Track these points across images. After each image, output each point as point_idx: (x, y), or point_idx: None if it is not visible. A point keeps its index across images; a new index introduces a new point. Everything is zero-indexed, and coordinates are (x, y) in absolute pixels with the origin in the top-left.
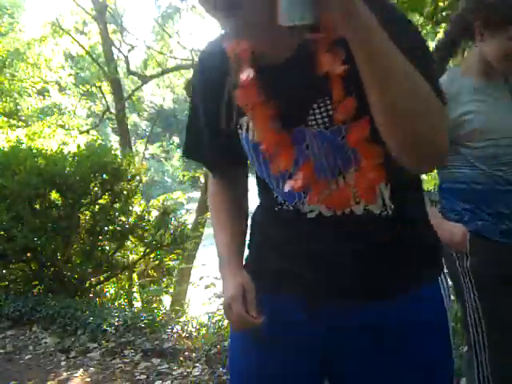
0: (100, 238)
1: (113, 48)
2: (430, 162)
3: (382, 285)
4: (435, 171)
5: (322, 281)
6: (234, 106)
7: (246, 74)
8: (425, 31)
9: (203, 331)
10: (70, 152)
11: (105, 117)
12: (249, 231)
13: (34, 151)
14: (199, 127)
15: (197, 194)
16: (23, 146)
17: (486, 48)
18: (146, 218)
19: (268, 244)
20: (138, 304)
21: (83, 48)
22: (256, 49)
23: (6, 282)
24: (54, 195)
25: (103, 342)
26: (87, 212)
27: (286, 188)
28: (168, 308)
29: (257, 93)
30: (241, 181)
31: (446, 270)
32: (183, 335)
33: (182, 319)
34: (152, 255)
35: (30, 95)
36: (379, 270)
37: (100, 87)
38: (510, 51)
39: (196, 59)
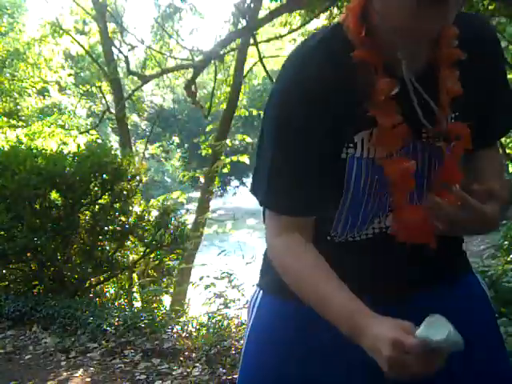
0: (100, 237)
1: (113, 48)
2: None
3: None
4: None
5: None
6: (350, 122)
7: (388, 88)
8: None
9: (203, 331)
10: (69, 152)
11: (105, 117)
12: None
13: (34, 151)
14: (299, 171)
15: (197, 194)
16: (23, 146)
17: None
18: (146, 217)
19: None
20: (138, 304)
21: (83, 48)
22: (388, 59)
23: (6, 282)
24: (54, 195)
25: (103, 342)
26: (87, 212)
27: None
28: (168, 308)
29: (395, 105)
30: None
31: None
32: (183, 335)
33: (182, 319)
34: (152, 255)
35: (30, 95)
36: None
37: (100, 87)
38: None
39: (196, 59)
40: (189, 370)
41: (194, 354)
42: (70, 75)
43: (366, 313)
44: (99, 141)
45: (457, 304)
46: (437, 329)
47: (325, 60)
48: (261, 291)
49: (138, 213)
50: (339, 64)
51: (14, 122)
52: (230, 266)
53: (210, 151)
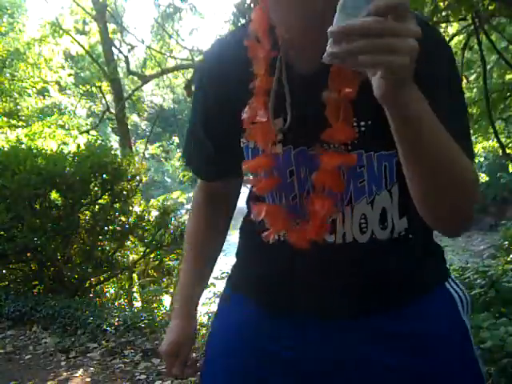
0: (100, 237)
1: (113, 48)
2: (459, 231)
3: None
4: None
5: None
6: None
7: (265, 80)
8: None
9: (203, 331)
10: (69, 152)
11: (105, 117)
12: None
13: (34, 151)
14: (200, 136)
15: None
16: (23, 146)
17: None
18: (146, 217)
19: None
20: (138, 304)
21: (83, 48)
22: (283, 53)
23: (6, 282)
24: (54, 195)
25: (103, 342)
26: (87, 212)
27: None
28: (168, 308)
29: (265, 102)
30: (232, 199)
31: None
32: None
33: None
34: (152, 255)
35: (29, 95)
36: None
37: (100, 87)
38: None
39: (196, 59)
40: None
41: (194, 354)
42: (69, 75)
43: (179, 314)
44: (99, 141)
45: (416, 324)
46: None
47: (230, 46)
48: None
49: (138, 213)
50: (239, 52)
51: (14, 122)
52: (230, 265)
53: None
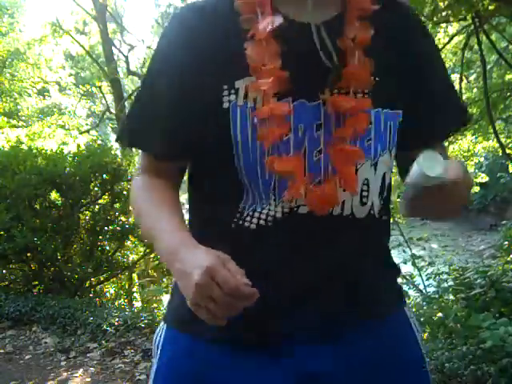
0: (100, 237)
1: (113, 48)
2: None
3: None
4: None
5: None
6: (231, 66)
7: (270, 21)
8: None
9: None
10: (70, 152)
11: (105, 117)
12: None
13: (34, 151)
14: (160, 105)
15: None
16: (23, 146)
17: None
18: None
19: None
20: (138, 304)
21: (83, 48)
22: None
23: (6, 282)
24: (54, 195)
25: (103, 341)
26: (87, 212)
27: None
28: None
29: (277, 47)
30: (175, 187)
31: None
32: None
33: None
34: (152, 255)
35: (30, 95)
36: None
37: (100, 87)
38: None
39: None
40: None
41: None
42: (70, 75)
43: (188, 243)
44: (99, 141)
45: (381, 344)
46: (431, 164)
47: (211, 1)
48: (164, 326)
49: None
50: (221, 4)
51: (14, 122)
52: None
53: None
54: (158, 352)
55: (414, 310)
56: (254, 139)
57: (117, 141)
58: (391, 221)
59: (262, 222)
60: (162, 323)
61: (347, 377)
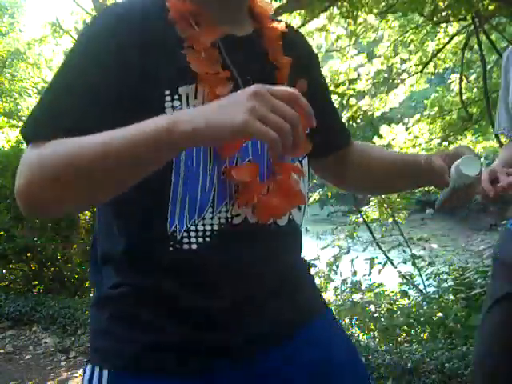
0: None
1: None
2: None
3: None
4: None
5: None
6: (173, 72)
7: (212, 36)
8: (425, 31)
9: None
10: None
11: None
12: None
13: None
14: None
15: None
16: (23, 146)
17: None
18: None
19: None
20: None
21: None
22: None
23: (6, 282)
24: None
25: None
26: (87, 212)
27: (234, 175)
28: None
29: (219, 60)
30: None
31: None
32: None
33: None
34: None
35: (29, 95)
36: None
37: None
38: None
39: None
40: None
41: None
42: None
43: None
44: None
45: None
46: (469, 165)
47: (150, 2)
48: (96, 369)
49: None
50: (160, 11)
51: (14, 122)
52: None
53: None
54: None
55: (413, 310)
56: (198, 149)
57: (21, 133)
58: (390, 220)
59: (200, 239)
60: (91, 367)
61: (296, 375)
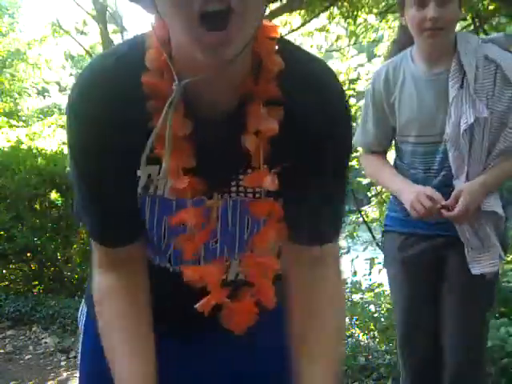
0: None
1: None
2: None
3: None
4: None
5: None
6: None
7: (184, 125)
8: None
9: None
10: None
11: None
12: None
13: (34, 151)
14: (105, 201)
15: None
16: (23, 146)
17: (408, 25)
18: None
19: None
20: None
21: (83, 48)
22: (189, 93)
23: (6, 282)
24: (54, 195)
25: None
26: None
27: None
28: None
29: (189, 147)
30: (141, 268)
31: None
32: None
33: None
34: None
35: (29, 95)
36: None
37: None
38: (418, 20)
39: None
40: None
41: None
42: (70, 75)
43: None
44: None
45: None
46: None
47: (116, 81)
48: (85, 309)
49: None
50: (129, 89)
51: (14, 122)
52: None
53: None
54: (82, 334)
55: None
56: (152, 223)
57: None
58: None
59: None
60: (83, 305)
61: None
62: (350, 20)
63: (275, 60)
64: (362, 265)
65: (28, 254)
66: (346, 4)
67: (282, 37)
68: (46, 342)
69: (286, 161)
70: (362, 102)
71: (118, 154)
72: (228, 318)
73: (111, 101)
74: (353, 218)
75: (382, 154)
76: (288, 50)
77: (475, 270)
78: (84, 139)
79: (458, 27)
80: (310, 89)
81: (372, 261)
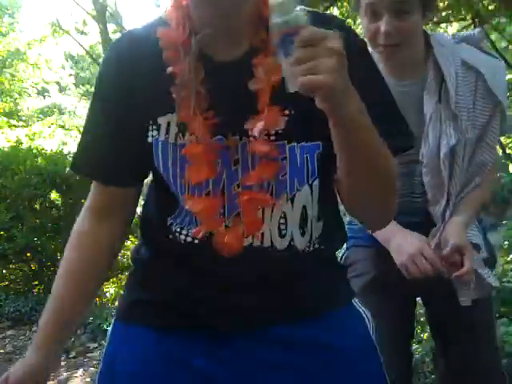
0: None
1: None
2: (385, 224)
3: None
4: None
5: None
6: (154, 102)
7: (190, 64)
8: None
9: None
10: (70, 152)
11: None
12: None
13: (34, 151)
14: (103, 132)
15: None
16: (23, 146)
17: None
18: None
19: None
20: None
21: (83, 48)
22: (202, 39)
23: (6, 282)
24: (54, 195)
25: (103, 341)
26: None
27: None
28: None
29: (200, 87)
30: (126, 217)
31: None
32: None
33: None
34: None
35: (29, 95)
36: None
37: None
38: (371, 34)
39: None
40: None
41: None
42: (70, 75)
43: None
44: None
45: (322, 338)
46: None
47: (140, 36)
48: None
49: (139, 213)
50: (150, 42)
51: (14, 121)
52: None
53: None
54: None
55: None
56: (174, 174)
57: (71, 168)
58: None
59: (189, 238)
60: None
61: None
62: (349, 20)
63: None
64: None
65: (28, 254)
66: (345, 4)
67: None
68: None
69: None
70: None
71: (137, 100)
72: (219, 241)
73: (133, 52)
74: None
75: None
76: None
77: (465, 302)
78: (109, 81)
79: (457, 27)
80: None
81: None
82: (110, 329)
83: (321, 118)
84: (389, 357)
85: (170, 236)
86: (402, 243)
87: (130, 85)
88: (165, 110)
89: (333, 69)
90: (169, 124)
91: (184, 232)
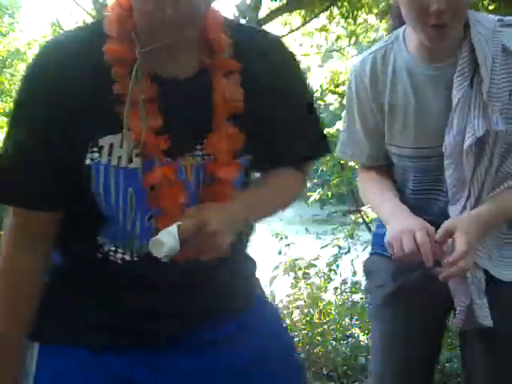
0: None
1: None
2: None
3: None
4: None
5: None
6: (96, 122)
7: (149, 88)
8: None
9: None
10: None
11: None
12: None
13: None
14: (28, 157)
15: None
16: None
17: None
18: None
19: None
20: None
21: None
22: (148, 54)
23: None
24: None
25: None
26: None
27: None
28: None
29: (156, 108)
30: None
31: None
32: None
33: None
34: None
35: None
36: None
37: None
38: (417, 12)
39: None
40: None
41: None
42: None
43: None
44: None
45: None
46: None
47: (74, 49)
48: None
49: None
50: (89, 57)
51: None
52: None
53: None
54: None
55: None
56: (117, 199)
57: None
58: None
59: (127, 257)
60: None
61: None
62: (349, 20)
63: (222, 36)
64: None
65: None
66: (345, 4)
67: (225, 17)
68: None
69: (247, 119)
70: None
71: (71, 120)
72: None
73: (64, 66)
74: (353, 218)
75: (381, 168)
76: (234, 26)
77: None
78: (34, 99)
79: None
80: (260, 51)
81: None
82: (33, 353)
83: (254, 132)
84: (391, 376)
85: (100, 255)
86: (400, 222)
87: (60, 103)
88: (106, 131)
89: (218, 246)
90: (111, 146)
91: (120, 251)
